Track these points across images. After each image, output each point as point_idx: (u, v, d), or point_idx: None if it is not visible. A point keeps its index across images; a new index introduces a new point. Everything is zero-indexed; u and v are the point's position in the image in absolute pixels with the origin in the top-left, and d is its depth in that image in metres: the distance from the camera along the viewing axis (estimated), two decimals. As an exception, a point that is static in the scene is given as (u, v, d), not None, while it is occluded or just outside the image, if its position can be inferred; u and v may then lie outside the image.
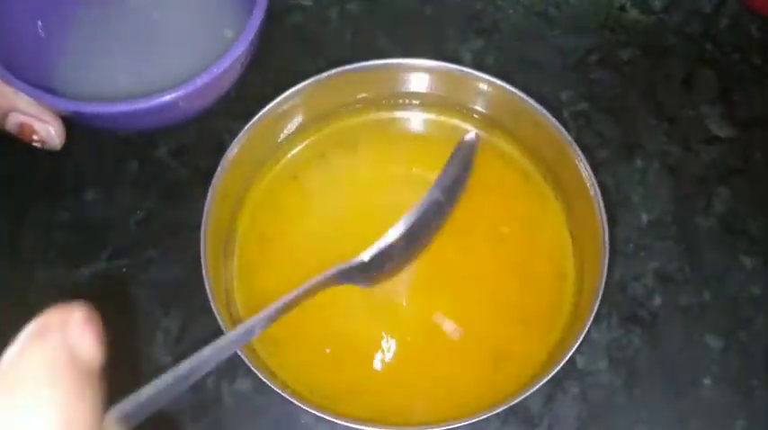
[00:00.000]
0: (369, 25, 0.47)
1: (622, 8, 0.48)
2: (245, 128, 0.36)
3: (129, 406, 0.19)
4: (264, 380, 0.31)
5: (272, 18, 0.47)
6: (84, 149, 0.43)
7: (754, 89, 0.45)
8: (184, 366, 0.21)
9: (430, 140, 0.41)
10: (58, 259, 0.40)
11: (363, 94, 0.40)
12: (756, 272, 0.40)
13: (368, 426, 0.31)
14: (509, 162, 0.40)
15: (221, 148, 0.36)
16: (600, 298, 0.32)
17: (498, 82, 0.37)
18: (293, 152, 0.40)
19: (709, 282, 0.40)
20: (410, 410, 0.34)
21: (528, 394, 0.31)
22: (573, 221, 0.38)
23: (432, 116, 0.41)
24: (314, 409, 0.31)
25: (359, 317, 0.36)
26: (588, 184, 0.35)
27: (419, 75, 0.39)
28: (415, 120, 0.41)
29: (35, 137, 0.35)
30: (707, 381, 0.38)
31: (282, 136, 0.39)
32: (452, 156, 0.37)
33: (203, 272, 0.33)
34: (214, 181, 0.35)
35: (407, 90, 0.40)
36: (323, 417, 0.30)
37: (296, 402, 0.31)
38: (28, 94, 0.34)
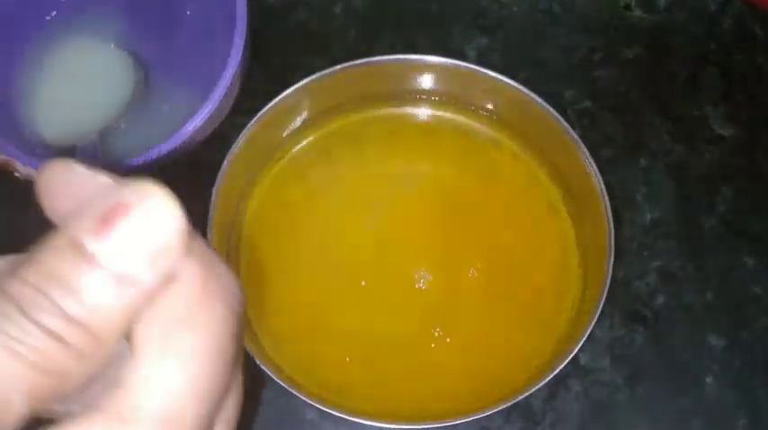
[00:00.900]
0: (374, 22, 0.47)
1: (627, 7, 0.48)
2: (250, 123, 0.36)
3: None
4: (270, 374, 0.31)
5: (276, 14, 0.47)
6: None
7: (758, 89, 0.45)
8: None
9: (435, 137, 0.41)
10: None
11: (368, 91, 0.40)
12: (759, 271, 0.40)
13: (372, 422, 0.31)
14: (514, 159, 0.40)
15: (227, 143, 0.36)
16: (605, 296, 0.32)
17: (504, 79, 0.37)
18: (298, 148, 0.40)
19: (712, 282, 0.40)
20: (413, 406, 0.34)
21: (531, 391, 0.31)
22: (578, 219, 0.38)
23: (437, 113, 0.41)
24: (320, 404, 0.31)
25: (364, 314, 0.36)
26: (595, 182, 0.35)
27: (424, 71, 0.39)
28: (421, 116, 0.41)
29: (16, 174, 0.35)
30: (709, 380, 0.38)
31: (287, 132, 0.39)
32: None
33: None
34: (220, 175, 0.35)
35: (412, 87, 0.40)
36: (328, 413, 0.31)
37: (302, 397, 0.31)
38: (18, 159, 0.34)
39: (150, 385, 0.13)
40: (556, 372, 0.31)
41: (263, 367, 0.31)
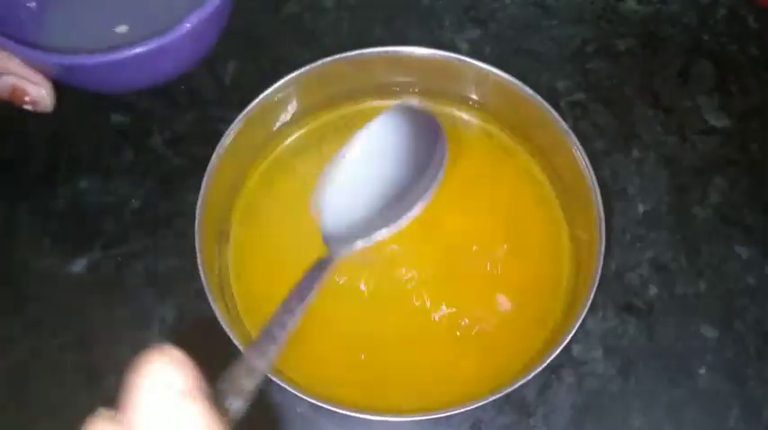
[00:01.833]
0: (365, 14, 0.47)
1: (619, -2, 0.48)
2: (240, 116, 0.36)
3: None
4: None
5: (268, 7, 0.47)
6: (79, 138, 0.43)
7: (750, 80, 0.45)
8: None
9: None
10: (53, 247, 0.40)
11: (359, 83, 0.39)
12: (751, 262, 0.40)
13: (365, 415, 0.31)
14: (505, 151, 0.39)
15: (216, 137, 0.36)
16: (596, 287, 0.32)
17: (495, 71, 0.37)
18: (289, 141, 0.40)
19: (705, 272, 0.40)
20: (405, 398, 0.34)
21: (523, 382, 0.31)
22: (570, 210, 0.38)
23: (428, 105, 0.40)
24: (312, 398, 0.31)
25: (355, 307, 0.36)
26: (586, 174, 0.35)
27: (416, 63, 0.39)
28: (412, 109, 0.41)
29: (27, 98, 0.35)
30: (702, 371, 0.38)
31: (278, 124, 0.39)
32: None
33: (198, 260, 0.33)
34: (209, 169, 0.35)
35: (404, 79, 0.40)
36: (321, 406, 0.30)
37: (295, 391, 0.31)
38: (15, 51, 0.34)
39: None
40: (548, 363, 0.31)
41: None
